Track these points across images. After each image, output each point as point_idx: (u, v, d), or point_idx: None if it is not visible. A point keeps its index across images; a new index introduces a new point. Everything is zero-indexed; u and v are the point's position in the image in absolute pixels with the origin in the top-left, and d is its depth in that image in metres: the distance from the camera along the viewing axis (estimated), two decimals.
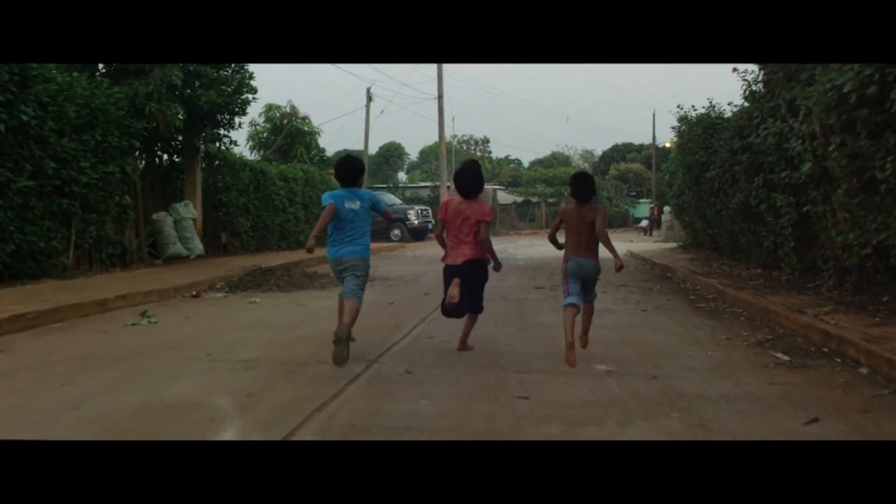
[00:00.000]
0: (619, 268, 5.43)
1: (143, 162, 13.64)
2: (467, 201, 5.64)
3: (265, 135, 20.60)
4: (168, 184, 14.47)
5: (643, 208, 59.67)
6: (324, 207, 5.56)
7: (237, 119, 14.13)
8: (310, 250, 5.62)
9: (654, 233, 40.45)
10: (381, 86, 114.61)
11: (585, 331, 5.80)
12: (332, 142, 70.71)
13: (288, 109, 20.43)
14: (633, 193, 63.07)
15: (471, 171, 5.78)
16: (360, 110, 36.34)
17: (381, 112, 45.24)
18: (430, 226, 30.94)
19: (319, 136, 21.27)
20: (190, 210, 14.13)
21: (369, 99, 35.41)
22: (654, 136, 64.26)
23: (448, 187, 35.63)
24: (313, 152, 21.22)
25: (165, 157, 14.61)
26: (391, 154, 76.07)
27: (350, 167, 5.65)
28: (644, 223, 43.10)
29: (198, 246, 14.10)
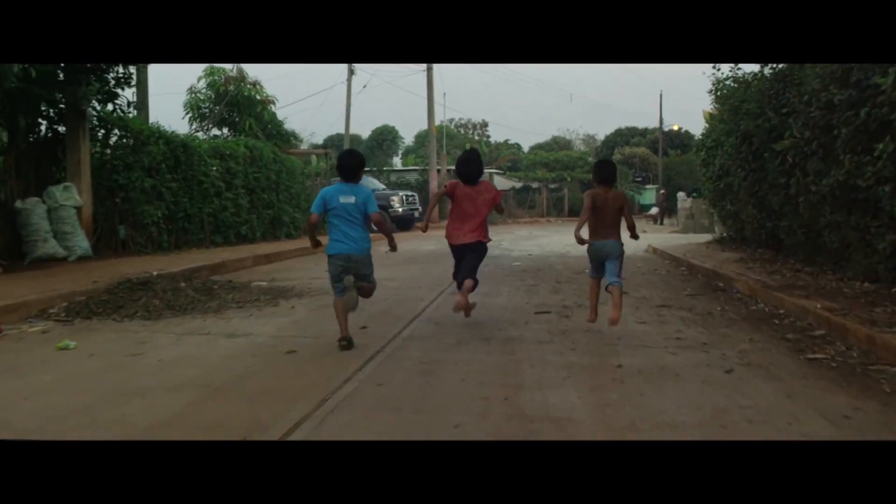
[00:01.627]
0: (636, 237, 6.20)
1: (4, 131, 9.97)
2: (472, 186, 6.14)
3: (207, 104, 16.88)
4: (46, 161, 10.82)
5: (649, 194, 56.16)
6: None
7: (132, 71, 10.44)
8: (314, 246, 5.81)
9: (666, 221, 36.97)
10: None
11: (615, 314, 5.66)
12: (311, 121, 66.90)
13: (234, 73, 16.70)
14: (639, 179, 59.42)
15: (471, 158, 6.33)
16: (341, 85, 32.49)
17: (364, 87, 41.48)
18: (416, 214, 27.28)
19: (275, 105, 17.54)
20: (72, 195, 10.50)
21: (351, 72, 31.64)
22: (661, 119, 60.56)
23: (438, 170, 31.98)
24: (269, 126, 17.47)
25: (45, 124, 10.94)
26: (385, 138, 72.84)
27: (350, 161, 5.63)
28: (654, 211, 39.41)
29: (81, 244, 10.47)
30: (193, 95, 16.83)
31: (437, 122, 47.51)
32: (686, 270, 11.23)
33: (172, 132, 12.99)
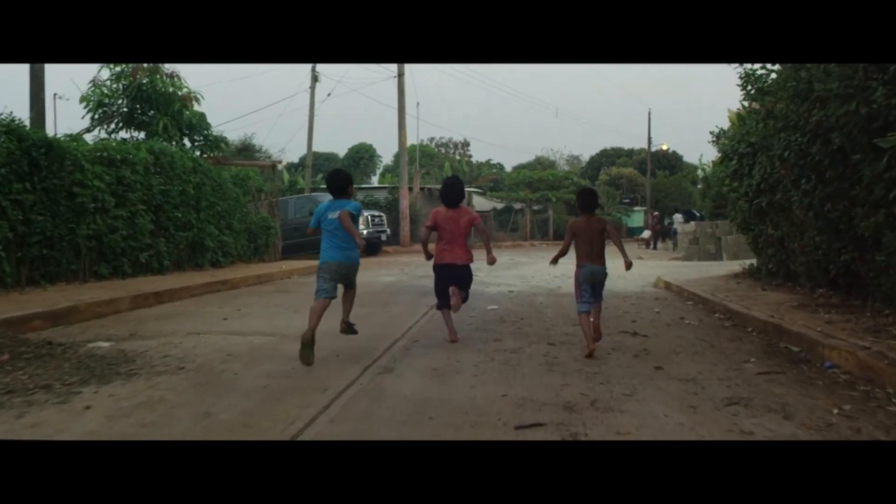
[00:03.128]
0: (629, 265, 6.22)
1: None
2: (454, 210, 6.66)
3: (113, 100, 13.48)
4: None
5: (638, 216, 53.61)
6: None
7: None
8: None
9: (660, 245, 34.11)
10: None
11: (597, 327, 6.07)
12: (269, 134, 63.57)
13: (145, 63, 13.40)
14: (627, 201, 56.80)
15: (453, 184, 6.83)
16: (304, 94, 29.33)
17: (328, 95, 38.03)
18: (383, 237, 24.05)
19: (199, 103, 14.25)
20: None
21: (315, 79, 28.52)
22: (649, 138, 57.92)
23: (410, 189, 28.88)
24: (195, 129, 14.22)
25: None
26: (362, 157, 70.05)
27: (337, 179, 6.08)
28: (646, 234, 36.46)
29: None
30: (96, 89, 13.52)
31: (415, 141, 44.51)
32: (725, 319, 8.10)
33: (37, 130, 9.69)
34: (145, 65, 13.28)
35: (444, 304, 6.61)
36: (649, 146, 58.55)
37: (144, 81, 13.38)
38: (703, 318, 8.36)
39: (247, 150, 45.96)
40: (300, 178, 38.92)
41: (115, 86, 13.49)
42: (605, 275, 6.15)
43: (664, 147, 62.63)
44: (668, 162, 65.53)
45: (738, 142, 10.54)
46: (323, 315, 5.60)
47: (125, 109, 13.38)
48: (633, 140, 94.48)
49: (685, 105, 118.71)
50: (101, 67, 13.27)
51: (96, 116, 13.33)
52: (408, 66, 26.40)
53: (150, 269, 11.69)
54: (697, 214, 35.77)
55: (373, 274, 14.95)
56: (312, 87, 28.47)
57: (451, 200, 6.69)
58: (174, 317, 8.10)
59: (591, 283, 6.04)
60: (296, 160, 57.59)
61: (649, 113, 57.22)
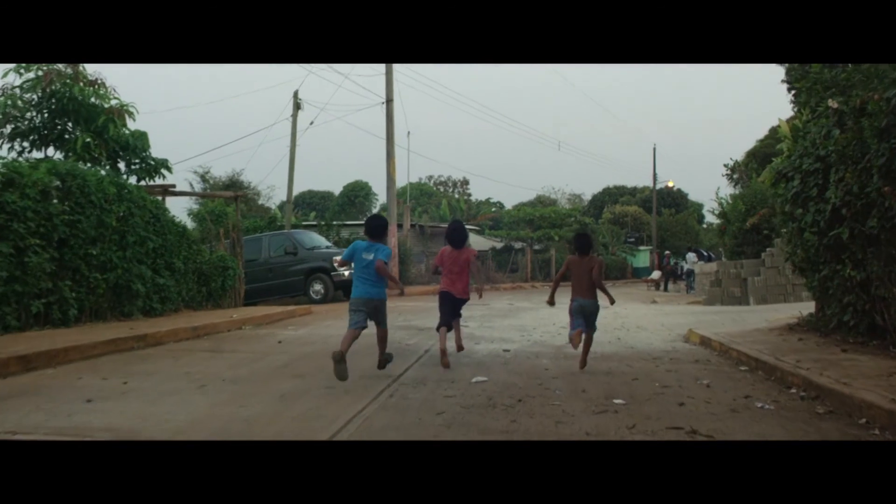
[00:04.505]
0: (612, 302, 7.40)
1: None
2: (458, 250, 7.56)
3: (26, 112, 11.04)
4: None
5: (643, 256, 51.29)
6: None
7: None
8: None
9: (671, 287, 31.67)
10: (318, 75, 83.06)
11: (585, 354, 7.08)
12: (249, 167, 61.07)
13: (65, 68, 11.03)
14: (632, 240, 54.50)
15: (457, 228, 7.84)
16: (286, 121, 27.08)
17: (311, 123, 35.79)
18: None
19: (133, 117, 11.83)
20: None
21: (297, 107, 26.35)
22: (654, 175, 55.57)
23: (400, 226, 26.53)
24: (128, 149, 11.85)
25: None
26: (357, 194, 68.12)
27: (375, 224, 6.90)
28: (655, 275, 33.99)
29: None
30: (4, 98, 11.09)
31: (406, 173, 42.37)
32: (811, 399, 5.61)
33: None
34: (62, 68, 10.91)
35: (443, 323, 7.35)
36: (654, 183, 56.34)
37: (62, 88, 11.00)
38: (776, 396, 5.86)
39: (234, 185, 43.80)
40: (293, 216, 36.58)
41: (28, 95, 11.14)
42: (596, 307, 7.05)
43: (670, 184, 60.48)
44: (673, 200, 63.48)
45: (799, 157, 8.13)
46: (353, 342, 6.36)
47: (39, 124, 11.00)
48: (636, 178, 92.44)
49: (688, 143, 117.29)
50: (7, 72, 10.93)
51: (6, 132, 10.95)
52: (397, 94, 24.26)
53: (51, 320, 9.22)
54: (705, 254, 33.45)
55: (342, 323, 12.42)
56: (294, 115, 26.28)
57: (457, 242, 7.61)
58: (18, 396, 5.62)
59: (583, 314, 6.95)
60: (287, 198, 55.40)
61: (654, 149, 54.18)
